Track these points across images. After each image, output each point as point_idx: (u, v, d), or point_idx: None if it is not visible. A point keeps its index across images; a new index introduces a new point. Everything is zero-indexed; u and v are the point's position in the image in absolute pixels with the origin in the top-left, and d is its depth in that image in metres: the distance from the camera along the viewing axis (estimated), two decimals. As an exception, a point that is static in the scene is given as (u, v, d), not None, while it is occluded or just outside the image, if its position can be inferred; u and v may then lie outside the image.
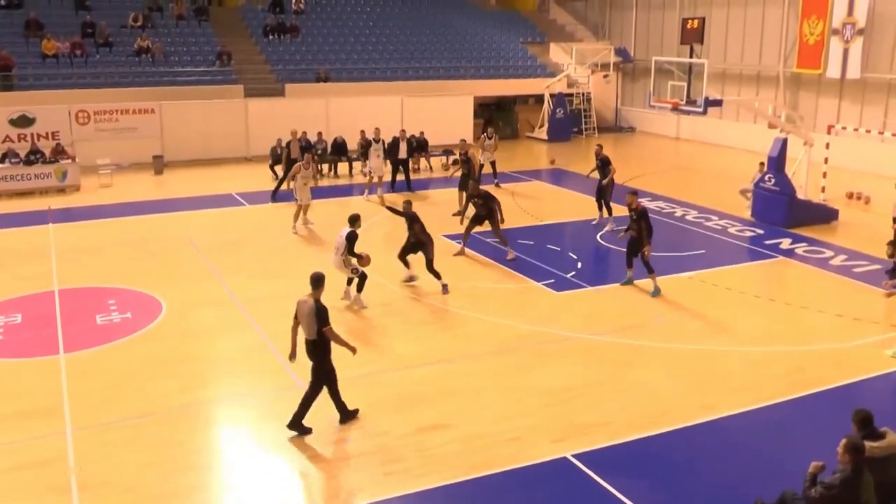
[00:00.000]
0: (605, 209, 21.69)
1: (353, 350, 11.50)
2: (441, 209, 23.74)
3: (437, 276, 16.70)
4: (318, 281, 11.21)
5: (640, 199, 17.31)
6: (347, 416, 11.41)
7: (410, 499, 9.61)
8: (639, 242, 16.49)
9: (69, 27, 33.82)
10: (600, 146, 22.32)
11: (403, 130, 27.77)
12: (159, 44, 34.10)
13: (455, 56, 38.78)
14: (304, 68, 35.11)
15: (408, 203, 17.31)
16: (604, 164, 21.43)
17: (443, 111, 34.78)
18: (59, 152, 27.37)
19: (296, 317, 11.28)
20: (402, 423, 11.35)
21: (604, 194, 21.55)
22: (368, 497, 9.65)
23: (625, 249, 17.10)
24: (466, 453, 10.55)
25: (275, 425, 11.35)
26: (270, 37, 37.14)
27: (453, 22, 41.51)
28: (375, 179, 25.72)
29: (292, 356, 11.36)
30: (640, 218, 16.45)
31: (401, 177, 26.88)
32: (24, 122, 28.84)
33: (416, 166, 30.10)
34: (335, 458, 10.60)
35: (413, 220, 16.85)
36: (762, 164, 22.83)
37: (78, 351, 13.82)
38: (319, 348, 10.99)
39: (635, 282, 17.13)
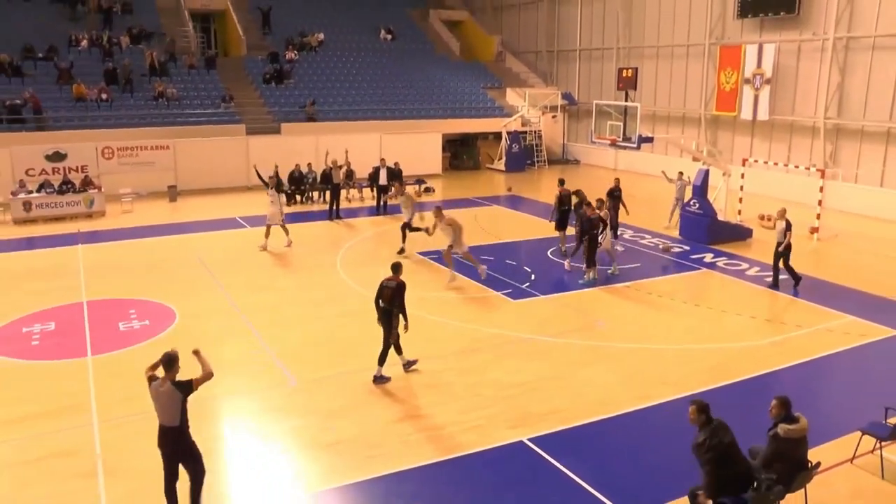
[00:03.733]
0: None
1: (406, 327, 12.56)
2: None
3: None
4: (397, 267, 12.82)
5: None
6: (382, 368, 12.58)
7: (390, 478, 9.60)
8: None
9: (96, 75, 33.60)
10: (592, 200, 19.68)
11: (383, 159, 27.84)
12: (174, 89, 33.93)
13: (425, 99, 38.87)
14: (297, 110, 35.01)
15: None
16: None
17: (415, 146, 34.83)
18: (87, 183, 27.16)
19: (381, 294, 12.55)
20: (380, 415, 11.34)
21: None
22: (354, 477, 9.63)
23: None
24: (437, 439, 10.56)
25: (271, 416, 11.37)
26: (268, 83, 37.08)
27: (424, 70, 41.64)
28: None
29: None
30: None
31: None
32: (57, 157, 28.55)
33: (392, 193, 30.04)
34: (324, 444, 10.53)
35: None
36: (681, 173, 24.06)
37: (103, 354, 13.72)
38: (394, 317, 12.38)
39: (581, 290, 17.35)
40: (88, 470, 9.76)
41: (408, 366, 13.01)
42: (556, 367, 13.18)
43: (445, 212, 18.64)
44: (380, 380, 12.54)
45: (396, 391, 12.19)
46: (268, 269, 19.62)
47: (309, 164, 29.46)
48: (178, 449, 8.54)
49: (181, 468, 8.72)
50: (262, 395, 12.17)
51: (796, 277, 17.79)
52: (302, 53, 40.24)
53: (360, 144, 31.25)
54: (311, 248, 21.82)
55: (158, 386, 8.44)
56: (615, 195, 22.32)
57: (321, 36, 41.89)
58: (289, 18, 42.69)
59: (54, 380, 12.59)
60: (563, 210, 21.16)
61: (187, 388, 8.48)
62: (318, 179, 29.24)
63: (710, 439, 7.83)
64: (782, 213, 17.74)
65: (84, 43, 36.20)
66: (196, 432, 10.72)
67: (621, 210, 22.59)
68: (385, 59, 41.84)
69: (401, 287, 12.54)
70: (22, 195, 25.87)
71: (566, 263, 19.18)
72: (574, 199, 20.60)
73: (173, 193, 29.29)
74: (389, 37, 44.64)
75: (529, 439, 10.50)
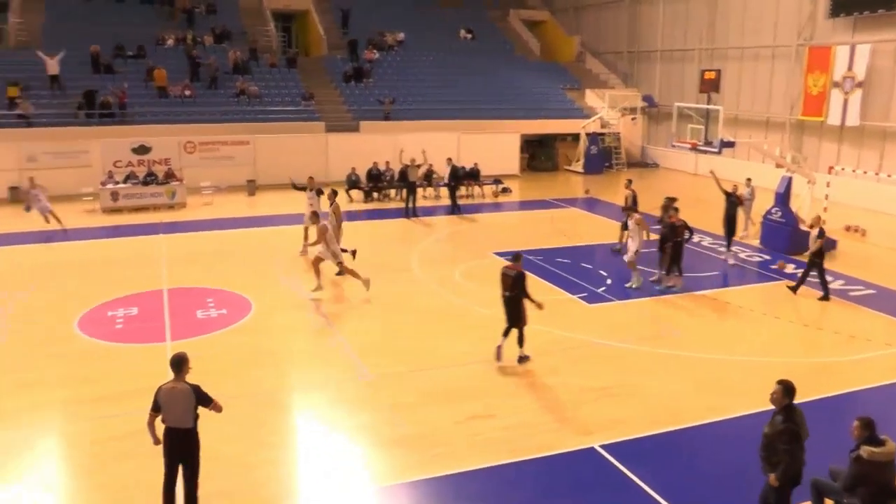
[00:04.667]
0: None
1: (540, 306, 13.02)
2: (491, 230, 23.74)
3: None
4: (518, 256, 13.20)
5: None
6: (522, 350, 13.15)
7: (457, 477, 9.56)
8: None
9: (181, 73, 34.63)
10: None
11: (450, 158, 27.92)
12: (255, 87, 34.67)
13: (504, 99, 38.71)
14: (376, 108, 35.33)
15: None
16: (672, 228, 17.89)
17: (493, 146, 34.79)
18: (169, 175, 28.00)
19: (502, 283, 12.98)
20: (450, 413, 11.30)
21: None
22: (421, 474, 9.63)
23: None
24: (507, 441, 10.47)
25: (342, 409, 11.45)
26: (348, 82, 37.54)
27: (503, 70, 41.44)
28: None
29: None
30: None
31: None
32: (142, 150, 29.50)
33: (469, 193, 30.46)
34: (392, 439, 10.56)
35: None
36: (749, 179, 23.15)
37: (181, 339, 14.06)
38: (520, 302, 12.90)
39: (658, 297, 17.05)
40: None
41: (523, 360, 13.24)
42: (629, 374, 12.95)
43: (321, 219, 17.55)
44: (523, 359, 13.15)
45: (468, 391, 12.13)
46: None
47: (387, 163, 29.68)
48: (186, 449, 8.39)
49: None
50: (333, 388, 12.27)
51: (825, 289, 17.28)
52: (381, 53, 40.62)
53: (438, 144, 31.27)
54: (387, 245, 21.99)
55: (171, 388, 8.28)
56: (732, 201, 20.87)
57: (401, 35, 42.22)
58: (369, 18, 43.15)
59: (135, 362, 13.00)
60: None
61: (206, 400, 8.41)
62: (396, 177, 29.48)
63: (790, 424, 7.67)
64: (817, 221, 17.31)
65: (170, 42, 37.41)
66: (266, 422, 11.10)
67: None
68: (464, 59, 41.86)
69: (521, 275, 12.94)
70: (110, 186, 26.94)
71: (659, 276, 18.59)
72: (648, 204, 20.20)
73: (252, 187, 29.92)
74: (469, 36, 44.71)
75: (601, 446, 10.33)
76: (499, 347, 13.25)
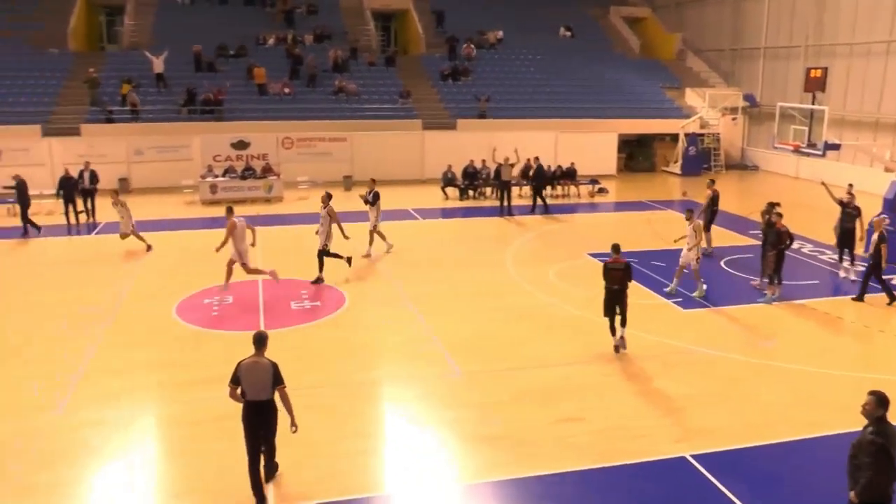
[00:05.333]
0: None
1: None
2: (586, 231, 23.40)
3: None
4: (618, 248, 13.28)
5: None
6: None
7: (545, 479, 9.42)
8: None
9: (280, 71, 35.46)
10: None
11: (536, 157, 27.61)
12: (353, 85, 35.18)
13: (602, 98, 38.10)
14: (473, 106, 35.32)
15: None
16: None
17: (590, 145, 34.30)
18: (267, 170, 28.77)
19: (610, 277, 13.13)
20: (541, 414, 11.16)
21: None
22: (509, 473, 9.53)
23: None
24: (597, 444, 10.26)
25: (432, 404, 11.44)
26: (445, 80, 37.69)
27: (601, 68, 40.80)
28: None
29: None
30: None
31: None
32: (241, 145, 30.33)
33: (565, 192, 30.25)
34: (481, 437, 10.48)
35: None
36: (850, 185, 21.53)
37: (275, 329, 14.13)
38: (625, 294, 13.23)
39: (753, 304, 16.48)
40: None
41: (619, 348, 13.37)
42: (722, 382, 12.49)
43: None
44: (621, 344, 13.44)
45: (558, 392, 11.96)
46: (437, 261, 19.88)
47: (483, 161, 29.66)
48: (265, 421, 8.79)
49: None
50: (424, 382, 12.29)
51: (862, 292, 16.64)
52: (480, 51, 40.59)
53: (535, 143, 31.00)
54: (481, 243, 21.95)
55: (253, 363, 8.67)
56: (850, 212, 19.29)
57: (500, 33, 42.10)
58: (468, 16, 43.16)
59: (228, 349, 13.24)
60: (713, 211, 20.70)
61: (280, 380, 8.72)
62: (492, 176, 29.43)
63: (878, 437, 7.19)
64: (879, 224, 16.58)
65: (271, 42, 38.38)
66: (356, 413, 11.18)
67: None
68: (563, 57, 41.33)
69: (629, 267, 13.21)
70: (209, 179, 27.93)
71: (757, 282, 17.96)
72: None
73: (348, 183, 30.36)
74: (568, 34, 44.24)
75: (692, 455, 9.98)
76: (618, 344, 13.45)
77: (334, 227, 17.88)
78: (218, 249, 16.68)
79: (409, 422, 11.01)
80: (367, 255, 20.02)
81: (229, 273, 16.82)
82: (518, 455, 9.98)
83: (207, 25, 38.29)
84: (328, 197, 17.94)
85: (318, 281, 17.60)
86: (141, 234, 20.80)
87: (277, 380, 8.69)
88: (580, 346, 13.73)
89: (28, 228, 22.70)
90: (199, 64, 35.28)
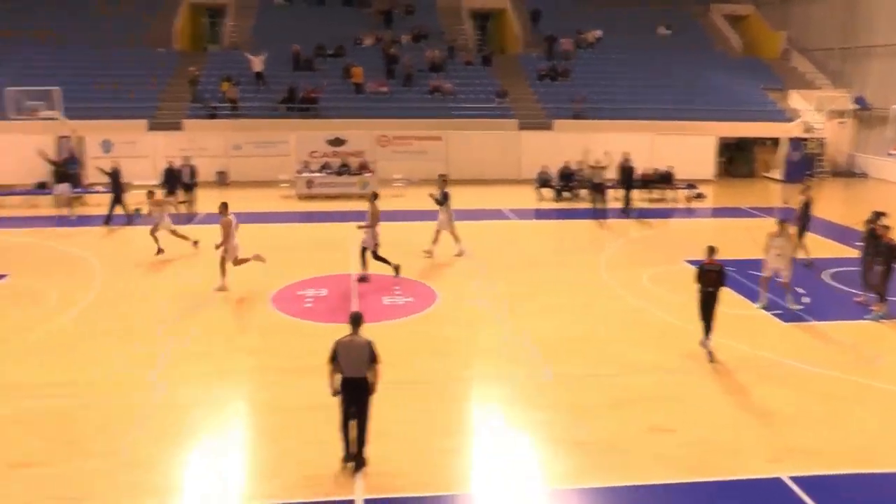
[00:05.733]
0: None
1: None
2: (682, 236, 22.54)
3: None
4: (713, 249, 13.01)
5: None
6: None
7: (634, 489, 9.04)
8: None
9: (377, 71, 35.74)
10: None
11: (626, 156, 26.84)
12: (449, 84, 35.12)
13: (702, 100, 36.80)
14: (569, 107, 34.70)
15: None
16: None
17: (687, 148, 33.04)
18: (362, 167, 29.00)
19: (705, 279, 12.84)
20: (632, 421, 10.72)
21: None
22: (596, 481, 9.17)
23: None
24: (688, 457, 9.75)
25: (521, 406, 11.18)
26: (542, 80, 37.23)
27: (701, 68, 39.41)
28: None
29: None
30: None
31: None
32: (337, 142, 30.59)
33: (662, 196, 29.32)
34: (571, 442, 10.13)
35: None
36: None
37: (366, 323, 14.05)
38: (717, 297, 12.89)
39: (858, 321, 15.38)
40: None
41: (706, 345, 13.07)
42: (822, 400, 11.65)
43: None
44: (706, 344, 13.08)
45: (649, 400, 11.48)
46: (530, 261, 19.54)
47: (579, 162, 29.06)
48: (360, 397, 9.17)
49: None
50: (514, 383, 12.03)
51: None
52: (578, 51, 39.97)
53: (630, 145, 30.14)
54: (576, 245, 21.55)
55: (350, 341, 9.17)
56: None
57: (598, 33, 41.33)
58: (565, 16, 42.57)
59: (320, 340, 13.13)
60: (806, 217, 19.88)
61: (375, 358, 9.13)
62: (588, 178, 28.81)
63: None
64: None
65: (368, 42, 38.81)
66: (445, 410, 11.04)
67: None
68: (661, 57, 40.11)
69: (724, 269, 12.92)
70: (305, 174, 28.43)
71: (861, 297, 16.73)
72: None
73: (443, 182, 30.03)
74: (668, 33, 43.06)
75: (790, 477, 9.28)
76: (709, 352, 13.00)
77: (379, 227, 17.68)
78: (218, 247, 16.82)
79: (499, 422, 10.77)
80: (460, 254, 19.75)
81: (238, 262, 17.03)
82: (607, 463, 9.61)
83: (306, 26, 38.97)
84: (374, 196, 17.88)
85: (396, 270, 17.52)
86: (179, 232, 20.42)
87: (373, 357, 9.10)
88: (673, 353, 13.19)
89: (128, 217, 23.54)
90: (298, 63, 35.99)
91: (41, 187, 27.47)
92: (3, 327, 14.47)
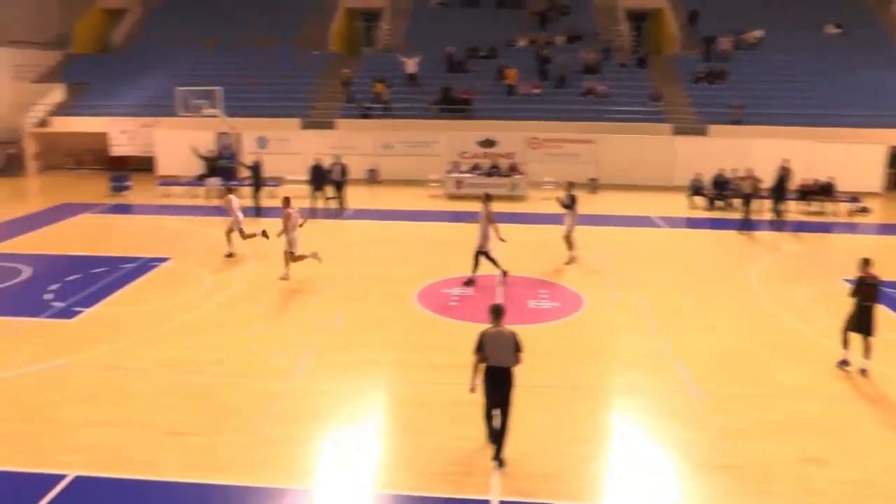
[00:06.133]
0: None
1: None
2: (841, 254, 21.01)
3: None
4: (867, 261, 12.49)
5: None
6: None
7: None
8: None
9: (530, 72, 35.66)
10: None
11: (784, 164, 25.26)
12: (603, 86, 34.57)
13: (872, 104, 33.89)
14: (726, 112, 33.30)
15: None
16: None
17: (852, 158, 30.64)
18: (512, 169, 28.98)
19: (864, 292, 12.27)
20: (782, 449, 10.07)
21: None
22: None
23: None
24: (842, 497, 9.01)
25: (664, 422, 10.76)
26: (699, 83, 35.96)
27: (876, 69, 36.25)
28: None
29: None
30: None
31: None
32: (488, 143, 30.78)
33: (821, 209, 27.63)
34: (716, 464, 9.65)
35: None
36: None
37: (510, 325, 13.96)
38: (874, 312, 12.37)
39: None
40: (481, 426, 9.99)
41: (843, 364, 12.60)
42: None
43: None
44: (843, 364, 12.61)
45: (803, 428, 10.74)
46: (679, 271, 18.96)
47: (734, 170, 27.85)
48: (505, 386, 9.39)
49: None
50: (659, 397, 11.65)
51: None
52: (737, 52, 38.31)
53: (790, 152, 28.44)
54: (727, 256, 20.71)
55: (496, 332, 9.42)
56: None
57: (759, 33, 39.40)
58: (725, 15, 40.68)
59: (463, 338, 13.20)
60: None
61: (520, 347, 9.38)
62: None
63: None
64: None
65: (521, 43, 38.83)
66: (586, 417, 10.87)
67: None
68: (829, 57, 37.61)
69: (882, 283, 12.45)
70: (455, 174, 28.80)
71: None
72: None
73: (593, 186, 29.80)
74: (837, 31, 40.41)
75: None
76: (863, 369, 12.35)
77: (492, 229, 17.34)
78: (279, 235, 17.69)
79: (640, 436, 10.45)
80: (570, 262, 19.25)
81: (296, 259, 17.78)
82: (752, 490, 9.08)
83: (459, 28, 39.50)
84: (488, 198, 17.63)
85: (470, 283, 17.20)
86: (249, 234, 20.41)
87: (518, 347, 9.35)
88: (829, 379, 12.38)
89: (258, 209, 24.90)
90: (451, 65, 36.46)
91: (200, 179, 29.57)
92: (166, 307, 15.65)
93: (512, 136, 31.19)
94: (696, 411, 11.12)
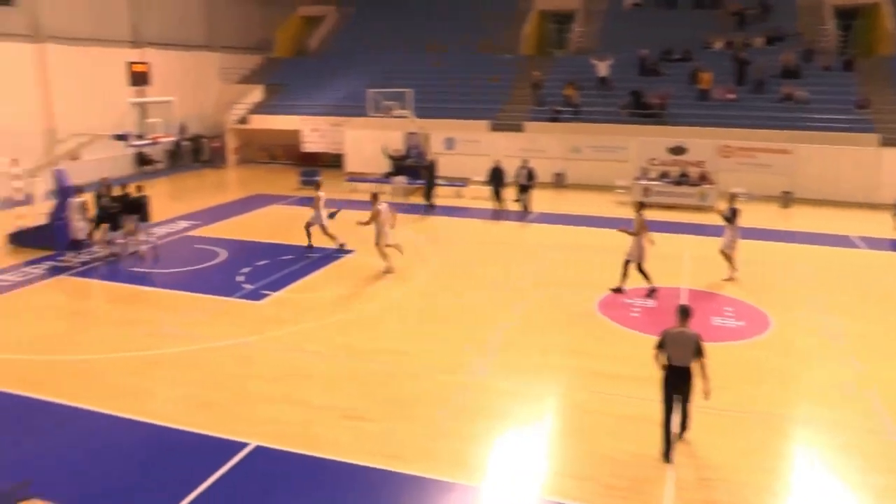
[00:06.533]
0: None
1: None
2: None
3: None
4: None
5: None
6: None
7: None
8: None
9: (725, 76, 34.69)
10: None
11: None
12: (803, 92, 33.08)
13: None
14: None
15: None
16: None
17: None
18: (703, 178, 28.47)
19: None
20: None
21: None
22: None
23: None
24: None
25: (855, 462, 10.29)
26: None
27: None
28: None
29: None
30: None
31: None
32: (678, 150, 30.30)
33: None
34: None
35: None
36: None
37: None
38: None
39: None
40: (654, 442, 10.25)
41: None
42: None
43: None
44: None
45: None
46: (879, 297, 17.85)
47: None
48: (684, 385, 9.95)
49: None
50: (850, 433, 11.10)
51: None
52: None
53: None
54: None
55: (680, 332, 9.94)
56: None
57: None
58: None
59: (642, 350, 13.30)
60: None
61: (702, 351, 9.83)
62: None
63: None
64: None
65: (718, 45, 37.81)
66: (768, 446, 10.72)
67: None
68: None
69: None
70: (643, 181, 28.76)
71: None
72: None
73: (787, 200, 28.69)
74: None
75: None
76: None
77: (646, 239, 17.31)
78: (364, 224, 18.85)
79: (826, 475, 10.05)
80: (730, 279, 18.70)
81: (384, 254, 18.98)
82: None
83: (654, 30, 38.99)
84: (641, 206, 17.60)
85: (618, 290, 17.43)
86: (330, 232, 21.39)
87: (700, 351, 9.80)
88: None
89: (428, 207, 26.81)
90: (643, 68, 36.15)
91: (387, 176, 31.29)
92: (348, 296, 17.12)
93: (703, 143, 30.43)
94: (891, 454, 10.55)
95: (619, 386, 12.34)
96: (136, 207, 20.54)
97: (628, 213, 26.20)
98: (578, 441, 10.67)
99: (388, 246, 19.10)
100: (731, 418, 11.36)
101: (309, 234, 21.02)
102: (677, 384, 9.94)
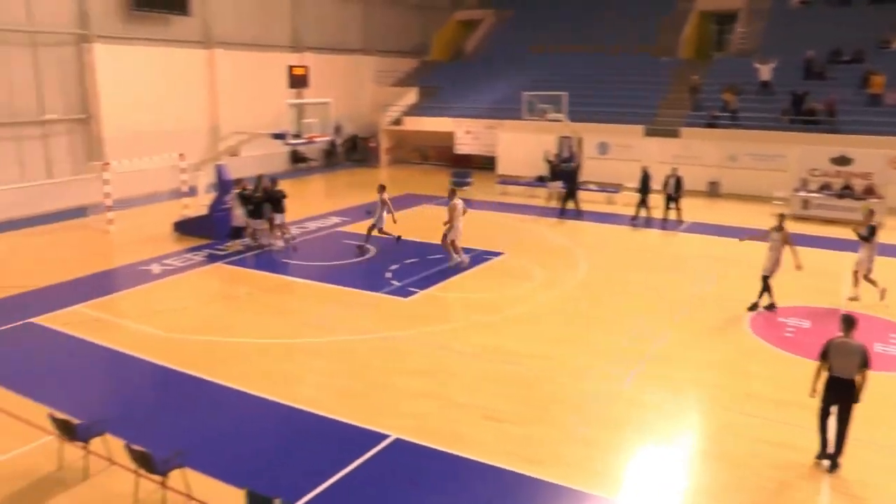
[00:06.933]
0: None
1: None
2: None
3: None
4: None
5: None
6: None
7: None
8: None
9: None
10: None
11: None
12: None
13: None
14: None
15: None
16: None
17: None
18: (868, 191, 26.89)
19: None
20: None
21: None
22: None
23: None
24: None
25: None
26: None
27: None
28: None
29: None
30: None
31: None
32: (842, 161, 28.66)
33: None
34: None
35: None
36: None
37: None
38: None
39: None
40: (800, 472, 9.99)
41: None
42: None
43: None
44: None
45: None
46: None
47: None
48: (845, 396, 9.70)
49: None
50: None
51: None
52: None
53: None
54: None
55: (843, 342, 9.75)
56: None
57: None
58: None
59: (793, 373, 13.07)
60: None
61: (867, 362, 9.60)
62: None
63: None
64: None
65: (895, 46, 35.39)
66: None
67: None
68: None
69: None
70: (802, 193, 27.40)
71: None
72: None
73: (964, 218, 26.67)
74: None
75: None
76: None
77: (786, 253, 16.49)
78: (445, 224, 19.57)
79: None
80: (855, 298, 17.55)
81: (455, 249, 19.70)
82: None
83: (823, 30, 37.07)
84: (781, 218, 16.76)
85: (770, 307, 16.74)
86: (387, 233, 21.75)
87: (865, 363, 9.60)
88: None
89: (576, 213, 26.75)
90: (809, 71, 34.48)
91: (540, 181, 31.35)
92: (496, 298, 17.34)
93: (871, 153, 28.46)
94: None
95: (766, 409, 11.85)
96: (276, 201, 21.89)
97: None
98: (721, 463, 10.32)
99: (455, 245, 19.62)
100: (893, 457, 10.65)
101: (383, 232, 21.52)
102: (839, 394, 9.76)
